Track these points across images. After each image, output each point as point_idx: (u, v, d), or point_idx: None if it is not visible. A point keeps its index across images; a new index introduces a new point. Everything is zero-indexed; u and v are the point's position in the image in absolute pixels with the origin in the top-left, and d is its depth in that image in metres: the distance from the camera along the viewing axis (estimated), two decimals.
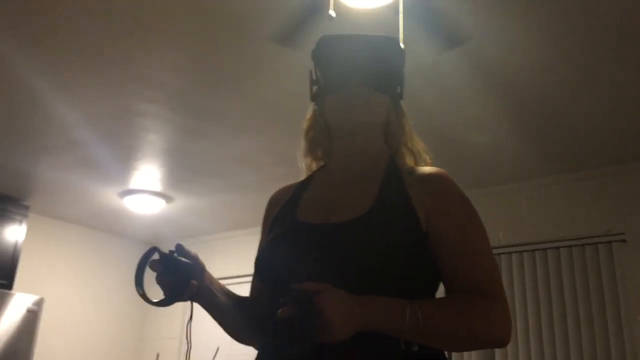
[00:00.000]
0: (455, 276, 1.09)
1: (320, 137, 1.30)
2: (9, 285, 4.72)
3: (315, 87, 1.29)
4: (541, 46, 2.82)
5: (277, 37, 2.70)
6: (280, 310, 0.94)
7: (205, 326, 5.41)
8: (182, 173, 4.51)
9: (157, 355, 4.63)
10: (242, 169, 4.37)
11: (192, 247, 4.78)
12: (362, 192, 1.15)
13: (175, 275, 1.12)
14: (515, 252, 4.19)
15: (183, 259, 1.13)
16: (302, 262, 1.09)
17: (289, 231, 1.17)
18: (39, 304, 4.68)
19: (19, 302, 4.55)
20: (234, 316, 1.28)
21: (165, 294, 1.14)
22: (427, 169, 1.19)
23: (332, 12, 2.26)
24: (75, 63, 3.08)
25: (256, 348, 1.22)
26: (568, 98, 3.25)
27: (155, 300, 1.15)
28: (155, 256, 1.16)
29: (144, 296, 1.14)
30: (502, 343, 1.06)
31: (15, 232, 4.91)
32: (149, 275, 1.16)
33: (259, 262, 1.18)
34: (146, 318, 6.22)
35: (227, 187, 4.73)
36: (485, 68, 2.98)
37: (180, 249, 1.14)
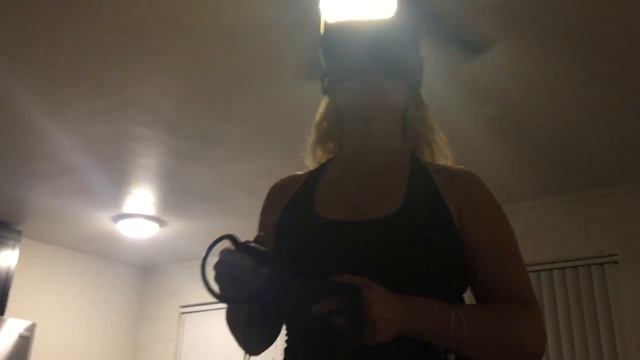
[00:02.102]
0: (489, 280, 1.03)
1: (333, 128, 1.23)
2: (0, 311, 4.68)
3: (326, 79, 1.20)
4: (532, 68, 2.86)
5: (272, 59, 2.73)
6: (321, 304, 0.86)
7: (197, 349, 5.33)
8: (175, 197, 4.50)
9: None
10: (236, 193, 4.37)
11: (185, 271, 4.77)
12: (389, 187, 1.09)
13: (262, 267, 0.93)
14: None
15: (264, 249, 0.95)
16: (333, 261, 1.01)
17: (313, 228, 1.08)
18: (31, 329, 4.63)
19: (11, 328, 4.50)
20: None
21: (235, 289, 0.96)
22: (455, 167, 1.14)
23: (323, 31, 2.29)
24: (68, 88, 3.10)
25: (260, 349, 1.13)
26: (559, 121, 3.28)
27: (235, 296, 0.96)
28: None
29: (212, 290, 0.96)
30: (540, 355, 1.00)
31: (7, 257, 4.88)
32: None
33: (283, 255, 1.04)
34: (140, 343, 6.16)
35: (220, 211, 4.72)
36: (475, 90, 3.01)
37: (261, 240, 0.98)
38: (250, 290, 0.94)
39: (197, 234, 5.27)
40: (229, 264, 0.95)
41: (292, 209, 1.14)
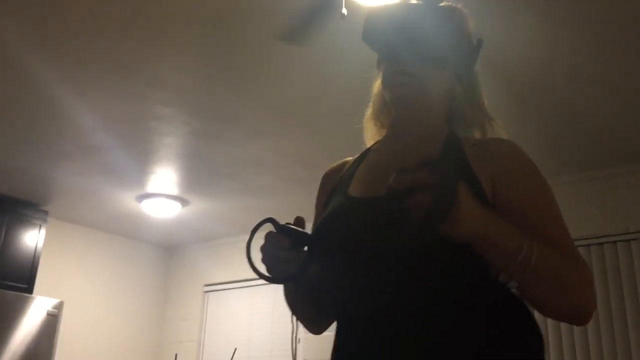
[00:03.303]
0: None
1: (382, 106, 1.22)
2: (29, 289, 4.78)
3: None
4: (559, 44, 2.80)
5: (289, 37, 2.71)
6: (403, 176, 0.81)
7: (221, 327, 5.42)
8: (198, 176, 4.53)
9: (176, 356, 4.65)
10: (259, 172, 4.38)
11: (209, 250, 4.83)
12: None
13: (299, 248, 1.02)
14: None
15: (302, 230, 1.03)
16: (360, 238, 1.01)
17: (342, 208, 1.09)
18: (59, 307, 4.73)
19: (39, 306, 4.60)
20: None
21: (280, 269, 1.04)
22: (492, 138, 1.12)
23: (344, 11, 2.26)
24: (92, 69, 3.12)
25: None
26: (582, 97, 3.22)
27: (275, 275, 1.05)
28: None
29: (258, 271, 1.04)
30: (589, 314, 0.96)
31: (35, 237, 4.97)
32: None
33: (313, 244, 1.08)
34: (164, 321, 6.26)
35: (243, 190, 4.75)
36: (494, 66, 2.96)
37: (300, 222, 1.05)
38: (292, 269, 1.02)
39: (219, 213, 5.30)
40: (272, 246, 1.03)
41: (333, 194, 1.16)
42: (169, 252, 6.50)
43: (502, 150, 1.06)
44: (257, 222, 1.08)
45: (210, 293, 6.05)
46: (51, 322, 4.61)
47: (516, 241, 0.90)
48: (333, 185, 1.19)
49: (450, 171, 0.82)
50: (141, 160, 4.24)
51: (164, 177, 4.56)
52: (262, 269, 1.06)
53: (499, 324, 0.95)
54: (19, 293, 4.61)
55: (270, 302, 5.51)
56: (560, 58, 2.90)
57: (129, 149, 4.06)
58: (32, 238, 4.95)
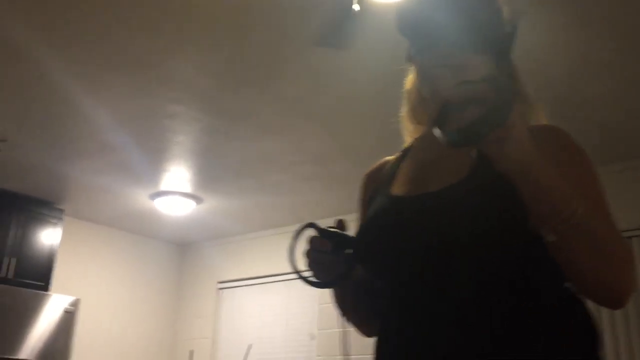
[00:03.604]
0: None
1: (418, 102, 1.17)
2: (45, 287, 4.84)
3: (411, 49, 1.12)
4: (575, 37, 2.78)
5: (305, 35, 2.72)
6: (470, 85, 0.77)
7: (235, 324, 5.44)
8: (211, 174, 4.55)
9: (191, 353, 4.68)
10: (271, 169, 4.40)
11: (222, 247, 4.84)
12: (460, 159, 1.01)
13: (342, 251, 1.01)
14: None
15: (345, 232, 1.03)
16: (401, 237, 0.98)
17: (385, 208, 1.06)
18: (76, 304, 4.78)
19: (57, 303, 4.66)
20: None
21: (324, 273, 1.03)
22: (536, 125, 1.05)
23: (356, 6, 2.26)
24: (105, 67, 3.14)
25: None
26: (604, 88, 3.19)
27: (320, 280, 1.04)
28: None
29: (302, 276, 1.04)
30: (625, 295, 0.91)
31: (51, 235, 5.03)
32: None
33: (358, 246, 1.05)
34: (179, 318, 6.30)
35: (256, 187, 4.76)
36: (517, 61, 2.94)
37: (341, 224, 1.04)
38: (337, 272, 1.02)
39: (233, 210, 5.32)
40: (315, 250, 1.03)
41: (375, 194, 1.14)
42: (182, 249, 6.54)
43: (549, 139, 1.01)
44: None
45: (224, 290, 6.08)
46: (68, 320, 4.67)
47: (562, 187, 0.85)
48: (375, 185, 1.16)
49: (508, 92, 0.76)
50: (155, 158, 4.27)
51: (178, 174, 4.59)
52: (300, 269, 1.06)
53: (557, 323, 0.91)
54: (36, 291, 4.66)
55: (284, 299, 5.53)
56: (585, 52, 2.88)
57: (142, 147, 4.09)
58: (48, 236, 5.01)
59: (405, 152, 1.18)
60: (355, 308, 1.13)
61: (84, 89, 3.35)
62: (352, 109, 3.44)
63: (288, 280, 5.50)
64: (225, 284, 6.07)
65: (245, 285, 5.87)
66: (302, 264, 1.06)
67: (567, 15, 2.63)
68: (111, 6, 2.66)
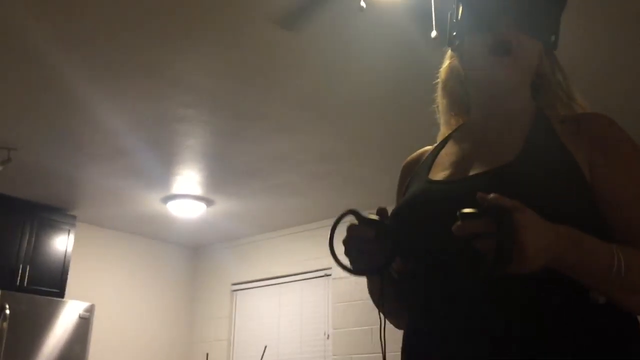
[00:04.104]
0: (627, 230, 0.91)
1: (458, 89, 1.15)
2: (60, 294, 4.86)
3: (455, 31, 1.10)
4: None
5: (304, 30, 2.70)
6: (463, 224, 0.79)
7: (250, 325, 5.40)
8: (221, 176, 4.55)
9: (207, 355, 4.69)
10: (281, 169, 4.38)
11: (235, 249, 4.81)
12: (506, 145, 1.00)
13: (384, 240, 0.98)
14: None
15: (384, 220, 1.00)
16: (439, 222, 0.94)
17: (422, 192, 1.05)
18: (91, 310, 4.79)
19: (71, 310, 4.67)
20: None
21: (363, 261, 1.00)
22: (582, 114, 1.03)
23: (363, 4, 2.24)
24: (119, 72, 3.13)
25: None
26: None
27: (360, 268, 1.01)
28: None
29: (342, 265, 1.01)
30: None
31: (64, 242, 5.06)
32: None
33: (392, 230, 1.03)
34: (194, 320, 6.31)
35: (267, 188, 4.75)
36: None
37: (382, 212, 0.99)
38: (377, 260, 0.98)
39: (244, 212, 5.32)
40: (354, 238, 0.98)
41: (412, 181, 1.13)
42: (195, 252, 6.54)
43: (597, 127, 0.98)
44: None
45: (238, 292, 6.08)
46: (83, 325, 4.68)
47: (604, 260, 0.85)
48: (412, 173, 1.15)
49: (507, 204, 0.79)
50: (165, 161, 4.27)
51: (189, 178, 4.59)
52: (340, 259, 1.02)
53: (599, 327, 0.88)
54: (51, 298, 4.68)
55: (297, 300, 5.52)
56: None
57: (153, 151, 4.09)
58: (61, 243, 5.03)
59: (445, 141, 1.16)
60: (389, 299, 1.08)
61: (98, 95, 3.35)
62: (359, 106, 3.42)
63: (301, 280, 5.50)
64: (238, 286, 6.07)
65: (259, 287, 5.87)
66: (340, 252, 1.01)
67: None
68: (124, 13, 2.66)
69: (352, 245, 0.99)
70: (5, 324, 4.18)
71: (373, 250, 0.98)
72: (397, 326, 1.12)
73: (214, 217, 5.44)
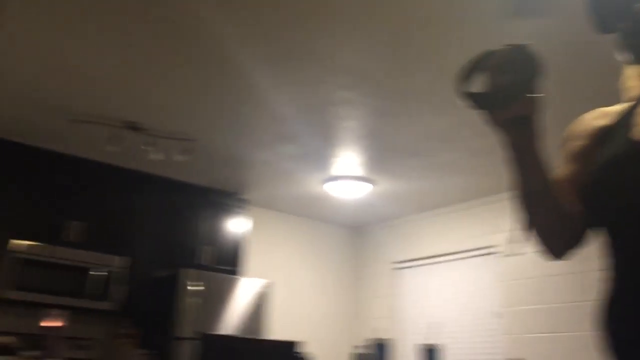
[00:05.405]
0: None
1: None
2: (238, 271, 5.29)
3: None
4: None
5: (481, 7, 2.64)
6: None
7: (413, 303, 5.46)
8: (381, 156, 4.62)
9: (372, 330, 4.82)
10: (440, 147, 4.35)
11: (395, 229, 4.89)
12: None
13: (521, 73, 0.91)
14: None
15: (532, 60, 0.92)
16: None
17: (626, 153, 1.01)
18: (268, 286, 5.11)
19: (249, 286, 5.02)
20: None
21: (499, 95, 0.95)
22: None
23: None
24: (287, 59, 3.29)
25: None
26: None
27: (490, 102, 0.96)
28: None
29: (470, 92, 0.98)
30: None
31: (241, 224, 5.50)
32: None
33: (594, 188, 1.01)
34: (358, 298, 6.50)
35: (426, 166, 4.74)
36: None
37: (525, 49, 0.96)
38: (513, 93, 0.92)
39: (404, 192, 5.36)
40: (494, 68, 0.97)
41: (605, 139, 1.08)
42: (356, 232, 6.72)
43: None
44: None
45: (400, 270, 6.15)
46: (262, 299, 5.01)
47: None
48: (601, 131, 1.11)
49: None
50: (326, 144, 4.42)
51: (349, 159, 4.71)
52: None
53: None
54: (230, 275, 5.09)
55: (462, 277, 5.46)
56: None
57: (316, 134, 4.25)
58: (238, 225, 5.47)
59: (636, 102, 1.10)
60: (547, 216, 1.05)
61: (268, 81, 3.54)
62: None
63: (463, 258, 5.43)
64: (400, 264, 6.14)
65: (421, 265, 5.89)
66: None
67: None
68: (296, 5, 2.80)
69: (494, 61, 0.97)
70: (199, 300, 4.62)
71: (509, 85, 0.94)
72: (552, 252, 1.08)
73: (374, 197, 5.54)
